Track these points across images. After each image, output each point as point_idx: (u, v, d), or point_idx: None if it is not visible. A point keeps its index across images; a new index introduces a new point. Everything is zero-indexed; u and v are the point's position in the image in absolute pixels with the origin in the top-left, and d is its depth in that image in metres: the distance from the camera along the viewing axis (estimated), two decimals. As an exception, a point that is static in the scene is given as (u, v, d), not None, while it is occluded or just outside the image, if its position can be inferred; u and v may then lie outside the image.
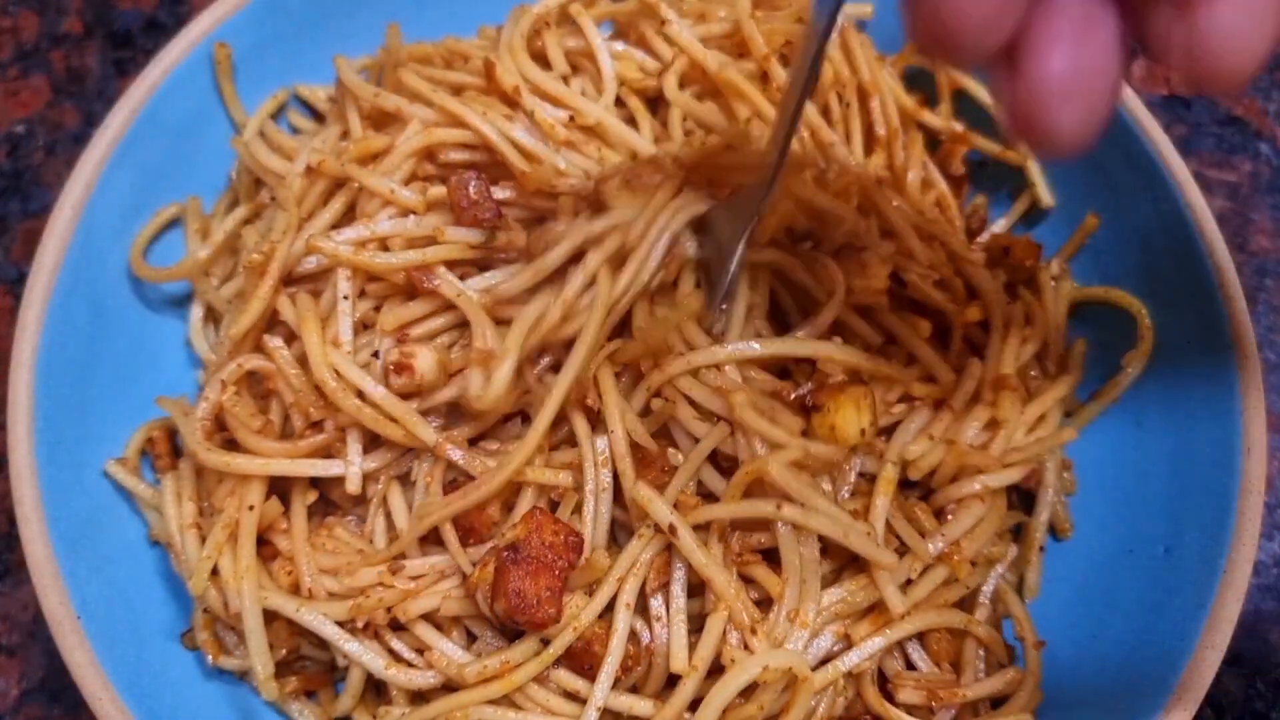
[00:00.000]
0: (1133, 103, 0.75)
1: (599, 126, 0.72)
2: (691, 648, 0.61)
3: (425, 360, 0.63)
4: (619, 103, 0.76)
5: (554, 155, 0.69)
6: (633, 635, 0.62)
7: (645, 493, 0.61)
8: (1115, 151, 0.76)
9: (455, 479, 0.65)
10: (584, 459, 0.64)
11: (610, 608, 0.61)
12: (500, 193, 0.69)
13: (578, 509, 0.64)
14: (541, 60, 0.75)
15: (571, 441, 0.66)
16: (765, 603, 0.62)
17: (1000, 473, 0.68)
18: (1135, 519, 0.71)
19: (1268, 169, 0.95)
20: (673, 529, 0.60)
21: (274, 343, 0.66)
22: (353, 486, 0.65)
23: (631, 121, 0.75)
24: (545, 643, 0.61)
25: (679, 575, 0.61)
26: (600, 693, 0.60)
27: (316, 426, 0.66)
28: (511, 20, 0.76)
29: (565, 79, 0.75)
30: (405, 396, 0.64)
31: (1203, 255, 0.70)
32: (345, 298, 0.66)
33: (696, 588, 0.62)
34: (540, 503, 0.64)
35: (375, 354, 0.66)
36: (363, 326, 0.68)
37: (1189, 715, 0.60)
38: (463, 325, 0.67)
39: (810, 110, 0.74)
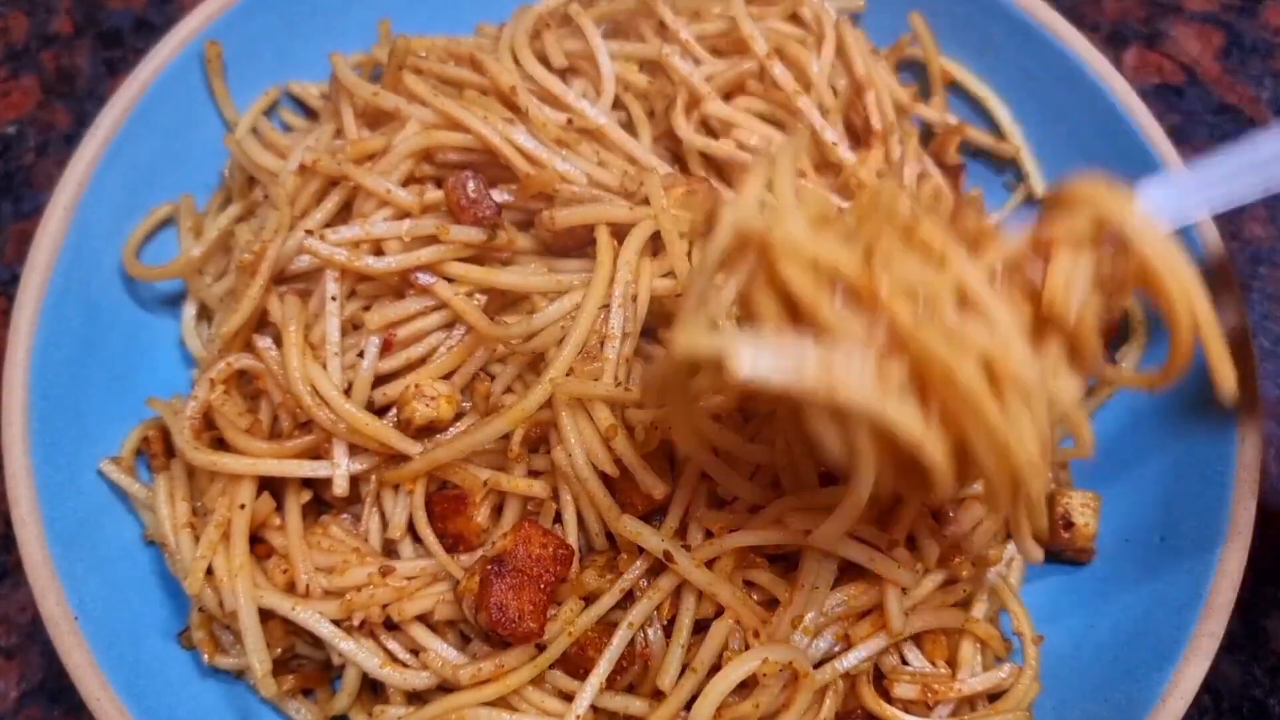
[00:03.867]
0: (1125, 92, 0.75)
1: (597, 130, 0.72)
2: (691, 649, 0.61)
3: (447, 409, 0.64)
4: (619, 104, 0.75)
5: (556, 158, 0.69)
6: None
7: (632, 527, 0.60)
8: (1108, 142, 0.76)
9: (443, 484, 0.65)
10: (558, 464, 0.63)
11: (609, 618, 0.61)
12: (499, 195, 0.69)
13: (559, 517, 0.64)
14: (541, 61, 0.74)
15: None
16: (766, 603, 0.62)
17: None
18: (1131, 509, 0.71)
19: (1261, 157, 0.95)
20: (669, 555, 0.60)
21: (263, 343, 0.66)
22: (339, 489, 0.65)
23: (630, 125, 0.75)
24: (540, 647, 0.61)
25: (689, 604, 0.61)
26: (589, 692, 0.60)
27: (305, 427, 0.65)
28: (514, 19, 0.76)
29: (563, 74, 0.75)
30: (424, 428, 0.64)
31: (1196, 244, 0.70)
32: (333, 298, 0.66)
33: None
34: (531, 507, 0.64)
35: (361, 354, 0.66)
36: (352, 326, 0.68)
37: (1186, 702, 0.60)
38: (449, 326, 0.67)
39: (811, 110, 0.74)
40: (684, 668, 0.61)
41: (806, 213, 0.46)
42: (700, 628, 0.62)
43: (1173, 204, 0.52)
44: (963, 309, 0.44)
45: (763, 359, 0.41)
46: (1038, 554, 0.58)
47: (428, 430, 0.65)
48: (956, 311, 0.44)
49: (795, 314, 0.44)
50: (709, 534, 0.62)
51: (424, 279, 0.66)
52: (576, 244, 0.68)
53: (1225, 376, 0.48)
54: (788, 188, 0.47)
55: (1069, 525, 0.70)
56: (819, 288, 0.43)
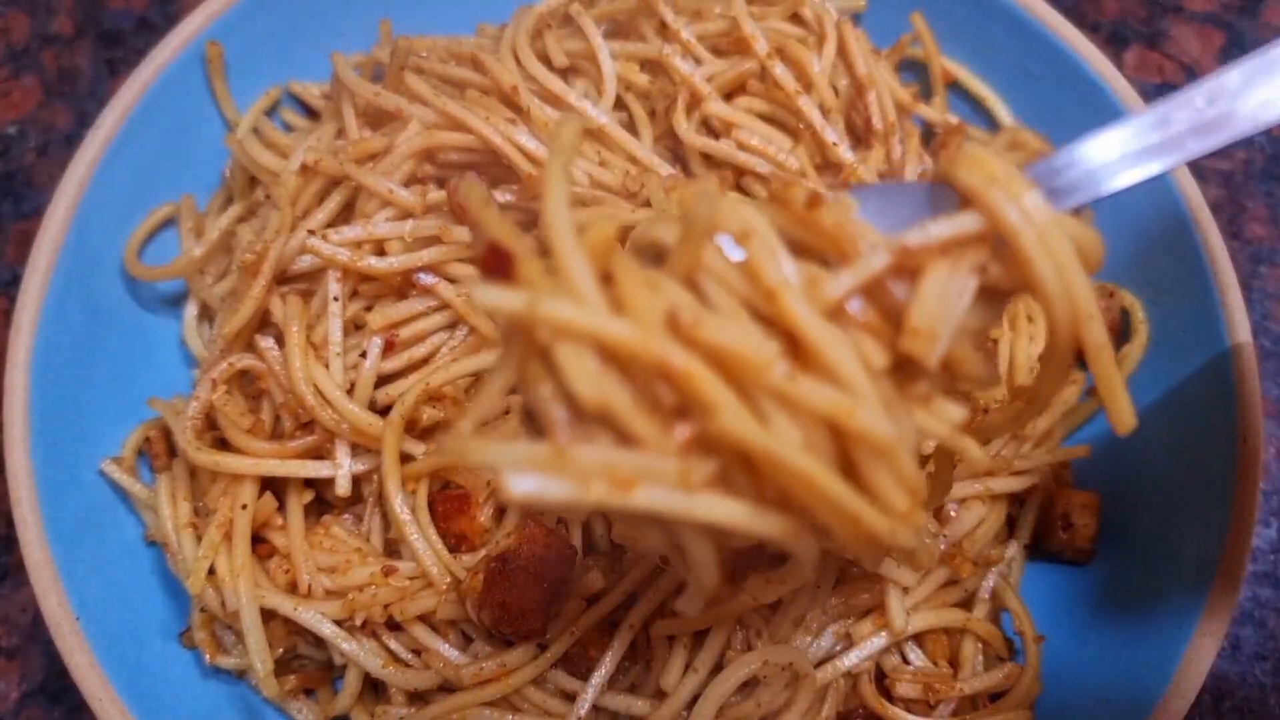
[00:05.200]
0: (1126, 92, 0.75)
1: (599, 131, 0.72)
2: (693, 649, 0.61)
3: (454, 412, 0.64)
4: (620, 104, 0.75)
5: None
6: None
7: (628, 533, 0.58)
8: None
9: (446, 483, 0.65)
10: None
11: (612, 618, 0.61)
12: (501, 196, 0.69)
13: (562, 519, 0.64)
14: (543, 61, 0.75)
15: None
16: (769, 602, 0.62)
17: (1008, 479, 0.68)
18: (1132, 509, 0.71)
19: (1261, 156, 0.95)
20: (665, 560, 0.59)
21: (265, 343, 0.66)
22: (341, 489, 0.65)
23: (632, 125, 0.75)
24: (542, 647, 0.61)
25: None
26: (591, 692, 0.60)
27: (307, 427, 0.65)
28: (515, 19, 0.76)
29: (565, 74, 0.75)
30: (429, 429, 0.64)
31: (1197, 244, 0.70)
32: (335, 299, 0.66)
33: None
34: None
35: (363, 354, 0.66)
36: (354, 326, 0.68)
37: (1187, 703, 0.60)
38: (451, 326, 0.67)
39: (812, 110, 0.74)
40: (686, 667, 0.61)
41: (591, 252, 0.36)
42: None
43: (1087, 176, 0.42)
44: (799, 358, 0.37)
45: (534, 478, 0.33)
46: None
47: (432, 431, 0.65)
48: (790, 364, 0.36)
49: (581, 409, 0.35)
50: None
51: (426, 279, 0.66)
52: None
53: (1119, 411, 0.40)
54: (565, 240, 0.36)
55: (1068, 526, 0.70)
56: (603, 378, 0.35)
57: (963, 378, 0.41)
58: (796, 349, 0.37)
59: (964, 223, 0.39)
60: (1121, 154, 0.43)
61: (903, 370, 0.39)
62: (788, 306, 0.37)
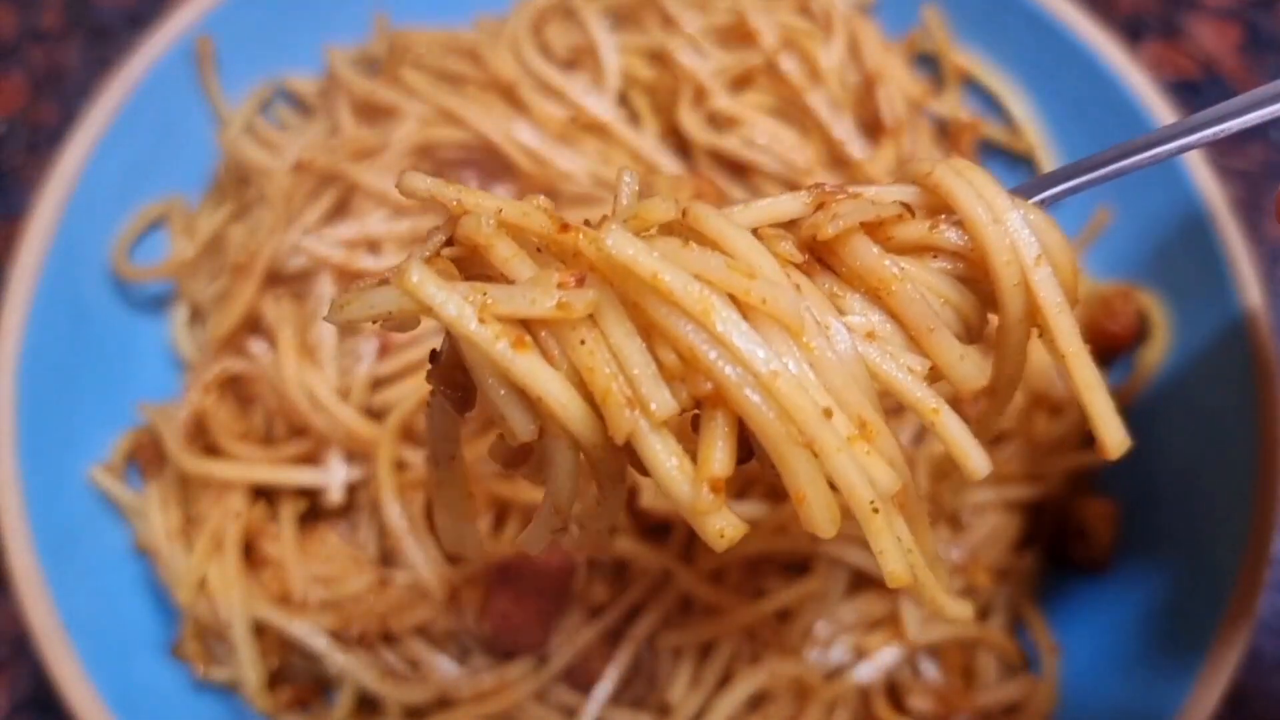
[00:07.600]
0: (1144, 89, 0.73)
1: (602, 126, 0.70)
2: (699, 662, 0.59)
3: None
4: (624, 99, 0.74)
5: (558, 155, 0.67)
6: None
7: (629, 548, 0.59)
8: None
9: None
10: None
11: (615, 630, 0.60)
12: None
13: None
14: (544, 55, 0.73)
15: None
16: (777, 613, 0.61)
17: (1023, 486, 0.67)
18: (1151, 518, 0.69)
19: None
20: (670, 573, 0.59)
21: (256, 347, 0.64)
22: (334, 497, 0.63)
23: (636, 120, 0.73)
24: (543, 660, 0.60)
25: (696, 617, 0.60)
26: (594, 707, 0.59)
27: (300, 433, 0.64)
28: (516, 12, 0.75)
29: (567, 68, 0.73)
30: None
31: (1216, 244, 0.69)
32: (331, 300, 0.64)
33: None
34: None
35: (358, 358, 0.64)
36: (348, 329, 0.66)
37: (1207, 714, 0.59)
38: None
39: (821, 106, 0.72)
40: (691, 681, 0.59)
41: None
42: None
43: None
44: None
45: (431, 279, 0.33)
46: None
47: None
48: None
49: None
50: None
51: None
52: None
53: (1108, 432, 0.37)
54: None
55: (1084, 536, 0.68)
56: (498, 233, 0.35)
57: (907, 323, 0.36)
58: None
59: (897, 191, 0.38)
60: None
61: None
62: (695, 211, 0.35)
